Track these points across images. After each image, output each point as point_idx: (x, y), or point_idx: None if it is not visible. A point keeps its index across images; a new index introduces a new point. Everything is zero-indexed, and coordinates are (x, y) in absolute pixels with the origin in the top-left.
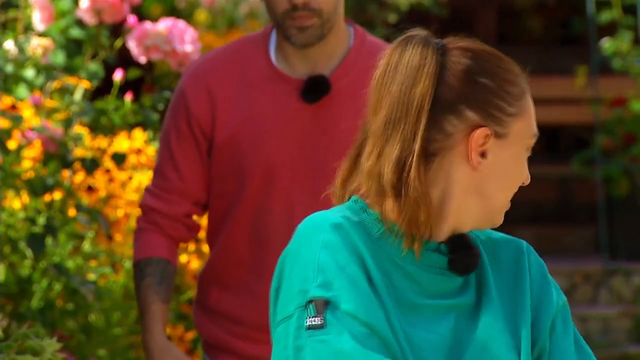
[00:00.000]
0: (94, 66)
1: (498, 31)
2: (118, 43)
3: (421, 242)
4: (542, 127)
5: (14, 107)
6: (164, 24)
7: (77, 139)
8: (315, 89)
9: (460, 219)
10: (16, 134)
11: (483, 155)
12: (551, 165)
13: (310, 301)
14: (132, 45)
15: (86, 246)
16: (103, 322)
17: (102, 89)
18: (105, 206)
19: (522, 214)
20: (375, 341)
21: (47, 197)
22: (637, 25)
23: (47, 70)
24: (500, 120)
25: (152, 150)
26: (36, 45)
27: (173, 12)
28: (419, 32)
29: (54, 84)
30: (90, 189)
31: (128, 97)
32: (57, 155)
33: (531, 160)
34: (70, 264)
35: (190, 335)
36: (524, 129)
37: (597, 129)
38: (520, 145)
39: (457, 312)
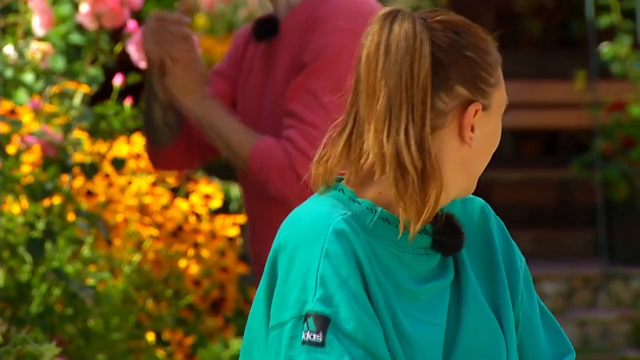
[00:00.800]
0: (94, 71)
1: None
2: (118, 48)
3: (423, 222)
4: (541, 131)
5: (13, 111)
6: None
7: (77, 144)
8: (264, 28)
9: (447, 193)
10: (15, 138)
11: (472, 129)
12: (550, 169)
13: (308, 315)
14: (132, 50)
15: (85, 251)
16: (102, 327)
17: (102, 93)
18: (104, 211)
19: (521, 217)
20: None
21: (46, 202)
22: (636, 30)
23: (46, 75)
24: (485, 93)
25: None
26: (35, 49)
27: None
28: (399, 7)
29: (54, 89)
30: (90, 194)
31: (127, 102)
32: (56, 160)
33: (530, 164)
34: (69, 268)
35: (190, 340)
36: (502, 96)
37: (596, 133)
38: (499, 114)
39: (448, 293)
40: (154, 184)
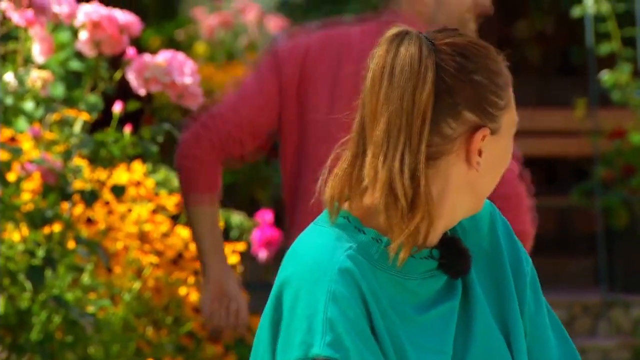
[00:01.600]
0: (94, 98)
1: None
2: (117, 75)
3: (411, 249)
4: (541, 159)
5: (13, 139)
6: (163, 56)
7: (77, 171)
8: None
9: (453, 215)
10: (15, 166)
11: (479, 154)
12: (550, 196)
13: (316, 359)
14: (132, 77)
15: (85, 278)
16: (102, 354)
17: (102, 121)
18: (104, 238)
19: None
20: None
21: (46, 230)
22: (637, 57)
23: (46, 103)
24: (493, 116)
25: (151, 182)
26: (35, 77)
27: (172, 44)
28: (407, 28)
29: (54, 116)
30: (90, 221)
31: (127, 129)
32: (56, 187)
33: (530, 192)
34: (69, 296)
35: None
36: (512, 118)
37: (597, 161)
38: (509, 135)
39: (455, 317)
40: (154, 212)
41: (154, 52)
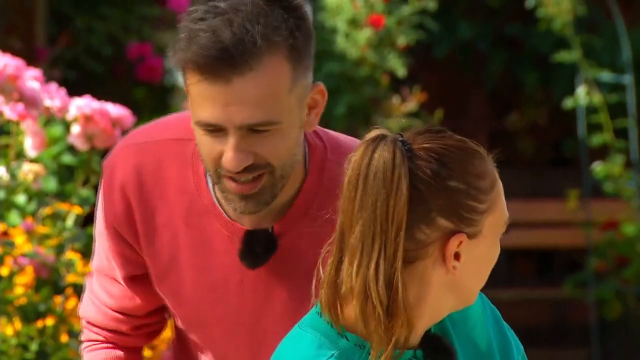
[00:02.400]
0: (86, 192)
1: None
2: None
3: (393, 354)
4: (534, 250)
5: (5, 233)
6: None
7: (69, 265)
8: (255, 250)
9: (435, 314)
10: (8, 260)
11: (456, 257)
12: (544, 288)
13: None
14: None
15: None
16: None
17: (94, 214)
18: None
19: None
20: None
21: (39, 323)
22: (629, 149)
23: (38, 196)
24: (471, 221)
25: None
26: (27, 171)
27: None
28: (384, 132)
29: (46, 210)
30: None
31: None
32: (49, 281)
33: (524, 284)
34: None
35: None
36: (496, 219)
37: (590, 252)
38: (494, 235)
39: None
40: None
41: None
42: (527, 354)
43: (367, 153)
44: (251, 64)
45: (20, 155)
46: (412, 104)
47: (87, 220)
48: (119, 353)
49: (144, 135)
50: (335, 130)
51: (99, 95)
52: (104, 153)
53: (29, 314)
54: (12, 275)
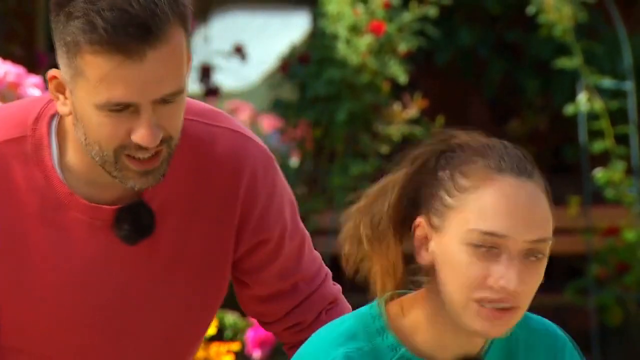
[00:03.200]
0: None
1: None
2: None
3: None
4: None
5: None
6: None
7: None
8: (134, 223)
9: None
10: None
11: (425, 244)
12: (545, 294)
13: None
14: None
15: None
16: None
17: None
18: None
19: None
20: None
21: None
22: (630, 155)
23: None
24: (435, 210)
25: None
26: None
27: None
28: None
29: None
30: None
31: None
32: None
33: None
34: None
35: None
36: (462, 223)
37: (590, 258)
38: (459, 240)
39: None
40: None
41: None
42: None
43: None
44: (162, 37)
45: None
46: (413, 111)
47: None
48: None
49: None
50: (336, 137)
51: None
52: None
53: None
54: None
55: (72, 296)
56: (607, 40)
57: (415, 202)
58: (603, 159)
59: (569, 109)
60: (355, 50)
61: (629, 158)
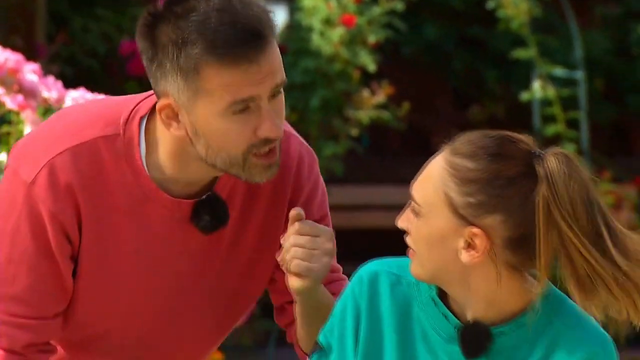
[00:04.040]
0: None
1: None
2: None
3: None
4: None
5: None
6: None
7: None
8: (212, 214)
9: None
10: None
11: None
12: None
13: (316, 343)
14: None
15: None
16: None
17: None
18: None
19: None
20: None
21: None
22: (580, 138)
23: None
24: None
25: None
26: None
27: None
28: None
29: None
30: None
31: None
32: None
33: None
34: None
35: None
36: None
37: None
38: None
39: None
40: None
41: None
42: None
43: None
44: (270, 36)
45: None
46: (381, 97)
47: None
48: None
49: (72, 137)
50: (310, 121)
51: (92, 88)
52: None
53: None
54: None
55: (148, 280)
56: (561, 33)
57: None
58: (555, 142)
59: (524, 96)
60: (328, 41)
61: (579, 141)
